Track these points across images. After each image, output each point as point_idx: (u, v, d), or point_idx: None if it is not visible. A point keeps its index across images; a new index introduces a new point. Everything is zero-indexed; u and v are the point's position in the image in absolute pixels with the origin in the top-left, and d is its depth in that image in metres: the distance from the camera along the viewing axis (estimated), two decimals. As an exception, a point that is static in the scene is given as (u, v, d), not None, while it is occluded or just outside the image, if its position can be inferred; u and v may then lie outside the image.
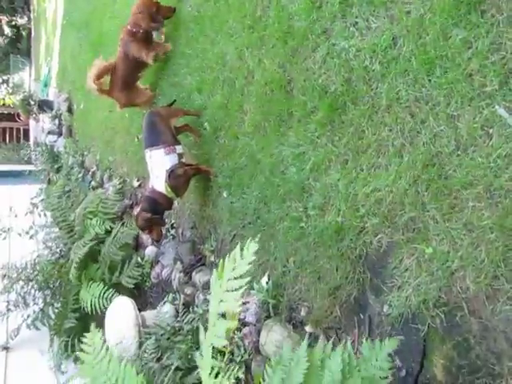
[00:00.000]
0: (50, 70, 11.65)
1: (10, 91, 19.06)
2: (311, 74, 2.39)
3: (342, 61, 2.20)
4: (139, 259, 4.24)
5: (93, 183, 6.40)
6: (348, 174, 2.15)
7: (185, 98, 3.84)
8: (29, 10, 19.24)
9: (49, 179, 8.04)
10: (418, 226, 1.85)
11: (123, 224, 4.53)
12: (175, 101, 3.85)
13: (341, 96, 2.20)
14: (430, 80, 1.82)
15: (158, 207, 3.23)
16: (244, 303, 2.83)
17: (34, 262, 4.86)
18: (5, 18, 20.25)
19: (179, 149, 3.24)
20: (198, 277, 3.37)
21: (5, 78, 20.83)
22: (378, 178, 1.99)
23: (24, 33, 20.15)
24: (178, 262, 3.69)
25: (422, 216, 1.83)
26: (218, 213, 3.25)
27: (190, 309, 3.31)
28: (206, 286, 3.27)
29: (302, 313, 2.43)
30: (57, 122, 9.10)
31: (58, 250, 5.21)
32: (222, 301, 1.66)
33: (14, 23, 20.53)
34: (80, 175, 6.74)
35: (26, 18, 20.13)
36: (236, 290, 1.62)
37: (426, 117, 1.83)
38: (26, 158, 9.27)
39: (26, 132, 16.65)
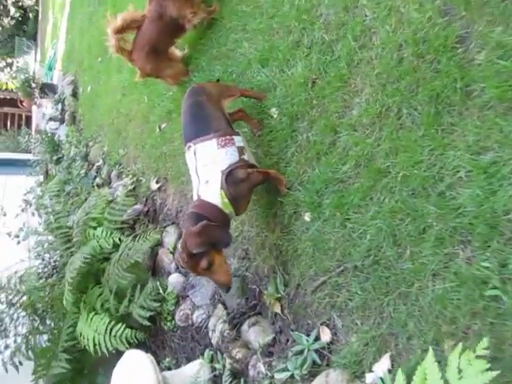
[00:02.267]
0: (55, 53, 10.67)
1: (13, 75, 18.01)
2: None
3: None
4: (160, 288, 3.15)
5: (98, 180, 5.27)
6: None
7: (236, 75, 2.74)
8: (36, -10, 18.20)
9: (47, 171, 6.99)
10: None
11: (135, 237, 3.44)
12: (219, 80, 2.78)
13: None
14: None
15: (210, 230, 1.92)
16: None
17: (20, 278, 3.81)
18: (11, -1, 19.23)
19: (238, 141, 2.09)
20: (254, 334, 2.26)
21: (9, 61, 19.83)
22: None
23: (31, 15, 19.06)
24: (220, 306, 2.58)
25: None
26: (293, 243, 2.14)
27: (242, 381, 2.22)
28: (269, 352, 2.17)
29: None
30: (59, 107, 8.01)
31: (51, 261, 4.16)
32: None
33: (20, 4, 19.46)
34: (83, 170, 5.62)
35: (33, -1, 19.10)
36: None
37: None
38: (24, 146, 8.18)
39: (29, 119, 15.68)
